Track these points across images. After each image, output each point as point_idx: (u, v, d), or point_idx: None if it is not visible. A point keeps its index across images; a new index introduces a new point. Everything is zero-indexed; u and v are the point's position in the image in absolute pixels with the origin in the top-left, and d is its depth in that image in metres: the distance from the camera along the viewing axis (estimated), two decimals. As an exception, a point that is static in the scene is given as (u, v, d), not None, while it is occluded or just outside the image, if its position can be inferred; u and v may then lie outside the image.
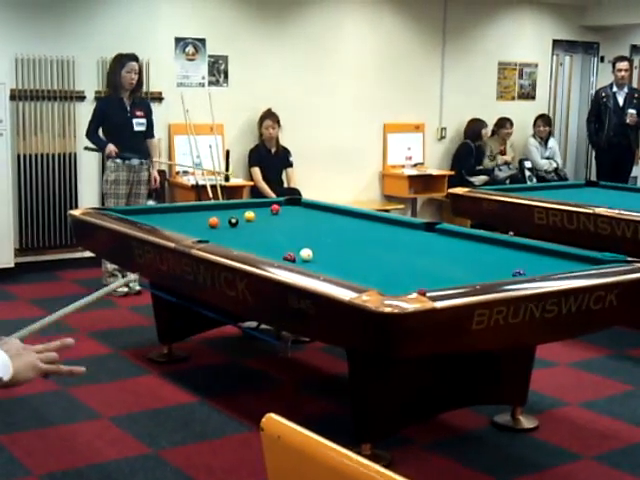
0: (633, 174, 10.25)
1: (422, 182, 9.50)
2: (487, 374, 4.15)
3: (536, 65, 10.84)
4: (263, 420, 1.61)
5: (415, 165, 9.67)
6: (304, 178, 8.56)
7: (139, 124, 6.88)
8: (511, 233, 6.19)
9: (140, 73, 6.94)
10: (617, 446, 4.19)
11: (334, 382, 4.95)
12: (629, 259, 4.07)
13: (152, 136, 7.09)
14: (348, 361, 3.80)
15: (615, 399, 4.83)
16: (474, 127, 9.92)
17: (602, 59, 11.41)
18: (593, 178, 9.26)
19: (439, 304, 3.22)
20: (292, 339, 5.18)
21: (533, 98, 10.85)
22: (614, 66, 9.67)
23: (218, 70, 8.48)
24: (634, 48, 11.59)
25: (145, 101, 7.20)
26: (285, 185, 8.40)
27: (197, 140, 7.77)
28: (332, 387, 4.89)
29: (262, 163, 8.34)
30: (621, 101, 9.59)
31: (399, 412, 3.86)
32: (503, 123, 10.15)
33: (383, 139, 9.58)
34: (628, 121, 9.48)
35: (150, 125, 7.00)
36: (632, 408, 4.69)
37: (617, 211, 5.77)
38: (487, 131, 9.93)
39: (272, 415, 1.61)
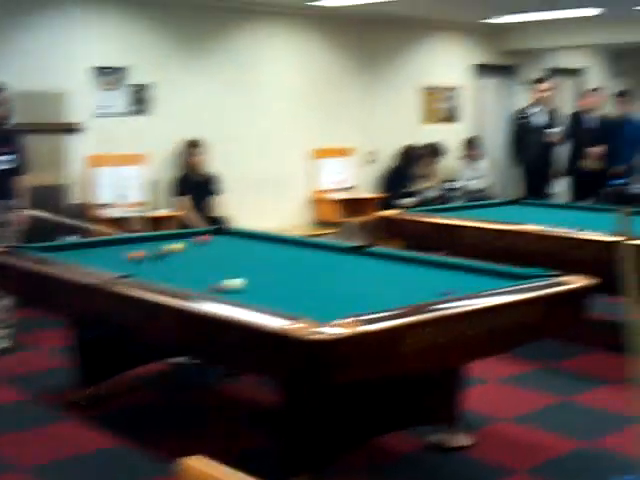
0: (552, 191, 10.46)
1: (353, 206, 9.57)
2: (420, 395, 4.17)
3: (458, 88, 11.03)
4: (183, 464, 1.55)
5: (345, 189, 9.73)
6: (235, 206, 8.53)
7: (3, 161, 6.26)
8: (440, 253, 6.26)
9: (6, 103, 6.36)
10: (550, 458, 4.25)
11: (270, 414, 4.89)
12: (554, 273, 4.15)
13: (22, 173, 6.38)
14: (281, 391, 3.77)
15: (546, 411, 4.90)
16: (403, 150, 10.05)
17: (521, 81, 11.67)
18: (517, 196, 9.41)
19: (370, 328, 3.22)
20: (225, 372, 5.12)
21: (457, 121, 11.04)
22: (535, 87, 9.89)
23: (141, 99, 8.41)
24: (551, 70, 11.87)
25: (13, 135, 6.43)
26: (213, 214, 8.33)
27: (120, 171, 7.60)
28: (268, 419, 4.82)
29: (189, 192, 8.28)
30: (542, 121, 9.82)
31: (336, 440, 3.84)
32: (431, 146, 10.31)
33: (313, 164, 9.64)
34: (551, 140, 9.71)
35: (20, 162, 6.34)
36: (563, 419, 4.78)
37: (543, 227, 5.90)
38: (416, 153, 10.06)
39: (194, 458, 1.56)
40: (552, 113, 10.01)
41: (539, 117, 9.82)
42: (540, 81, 9.98)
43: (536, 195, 9.31)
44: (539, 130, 9.78)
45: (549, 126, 9.83)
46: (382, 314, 3.38)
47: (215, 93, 8.86)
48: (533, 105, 9.85)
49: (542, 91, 9.82)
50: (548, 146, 9.84)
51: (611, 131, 9.86)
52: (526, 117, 9.81)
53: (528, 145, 9.75)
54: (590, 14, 9.75)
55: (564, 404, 5.04)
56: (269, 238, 5.75)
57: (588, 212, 7.30)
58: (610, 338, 5.97)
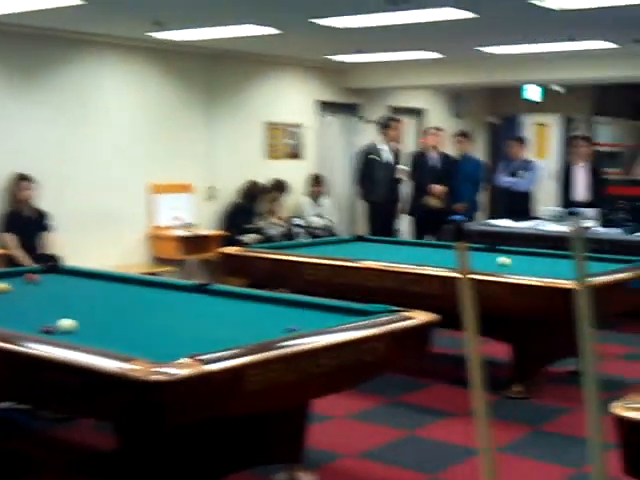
0: (398, 227, 10.67)
1: (193, 243, 9.42)
2: (264, 433, 4.09)
3: (303, 125, 11.11)
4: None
5: (186, 226, 9.58)
6: (69, 243, 8.22)
7: None
8: (283, 290, 6.23)
9: None
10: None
11: (107, 459, 4.68)
12: (395, 309, 4.19)
13: None
14: (118, 435, 3.62)
15: (391, 446, 4.91)
16: (245, 186, 10.02)
17: (362, 119, 11.88)
18: (362, 233, 9.53)
19: (211, 367, 3.14)
20: (59, 417, 4.88)
21: (301, 157, 11.10)
22: (386, 126, 10.09)
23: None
24: (392, 109, 12.15)
25: None
26: (45, 251, 7.98)
27: None
28: (105, 465, 4.61)
29: (16, 229, 7.93)
30: (390, 158, 10.04)
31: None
32: (274, 182, 10.32)
33: (152, 200, 9.44)
34: (399, 177, 9.95)
35: None
36: (407, 453, 4.79)
37: (383, 264, 5.95)
38: (258, 190, 10.04)
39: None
40: (397, 151, 10.28)
41: (387, 154, 10.05)
42: (391, 120, 10.25)
43: (383, 231, 9.49)
44: (388, 167, 10.00)
45: (396, 163, 10.08)
46: (223, 353, 3.30)
47: (48, 126, 8.55)
48: (381, 143, 10.07)
49: (392, 130, 10.08)
50: (396, 183, 10.08)
51: (451, 170, 10.15)
52: (375, 154, 10.01)
53: (377, 182, 9.94)
54: (430, 57, 10.02)
55: (408, 438, 5.06)
56: (104, 276, 5.55)
57: (430, 248, 7.45)
58: (453, 372, 6.08)
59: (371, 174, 10.00)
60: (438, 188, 9.99)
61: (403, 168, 10.04)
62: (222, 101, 10.12)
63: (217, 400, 3.23)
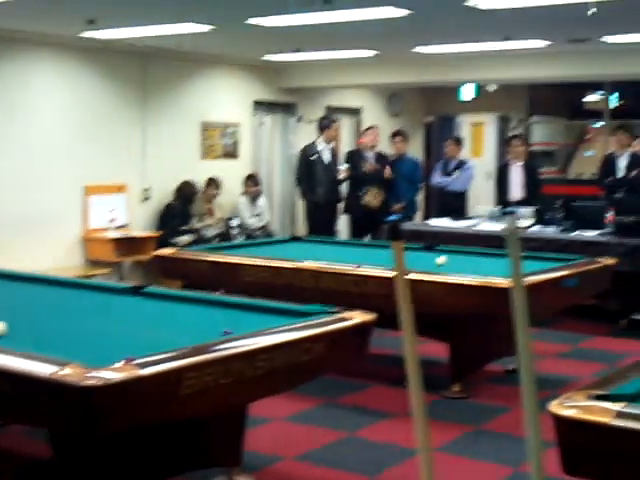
0: (337, 227, 10.66)
1: (128, 245, 9.29)
2: (199, 438, 4.03)
3: (238, 124, 11.04)
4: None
5: (120, 227, 9.44)
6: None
7: None
8: (220, 292, 6.17)
9: None
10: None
11: (41, 467, 4.57)
12: (333, 310, 4.18)
13: None
14: (52, 442, 3.53)
15: (330, 448, 4.89)
16: (181, 187, 9.92)
17: (300, 119, 11.85)
18: (302, 234, 9.50)
19: (146, 371, 3.09)
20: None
21: (237, 157, 11.03)
22: (326, 125, 10.07)
23: None
24: (328, 108, 12.15)
25: None
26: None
27: None
28: (39, 473, 4.51)
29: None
30: (329, 158, 10.03)
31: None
32: (210, 183, 10.24)
33: (85, 201, 9.28)
34: (340, 177, 9.95)
35: None
36: (346, 455, 4.78)
37: (320, 264, 5.93)
38: (192, 190, 9.96)
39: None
40: (335, 151, 10.29)
41: (327, 155, 10.06)
42: (332, 121, 10.28)
43: (324, 232, 9.47)
44: (328, 167, 10.00)
45: (336, 164, 10.09)
46: (158, 356, 3.26)
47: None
48: (321, 142, 10.07)
49: (331, 130, 10.09)
50: (337, 183, 10.09)
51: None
52: (316, 154, 10.00)
53: (318, 182, 9.93)
54: (366, 55, 10.03)
55: (348, 439, 5.04)
56: (35, 279, 5.39)
57: (367, 248, 7.46)
58: (392, 372, 6.08)
59: (312, 174, 9.98)
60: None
61: (343, 168, 10.05)
62: (157, 101, 10.01)
63: (153, 404, 3.19)
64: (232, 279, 6.29)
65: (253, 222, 10.47)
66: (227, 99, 10.94)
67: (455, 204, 10.08)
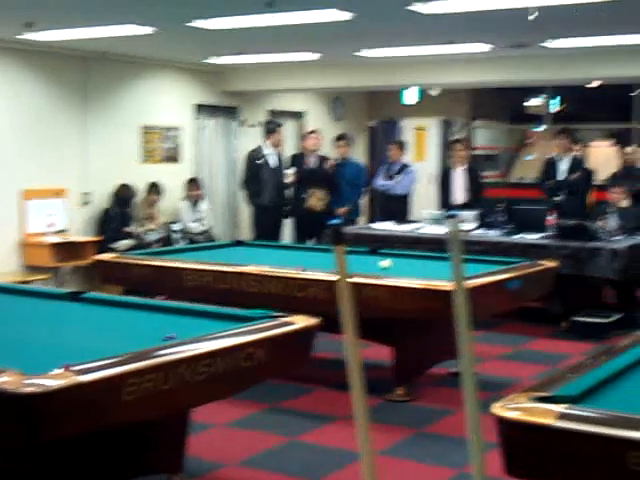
0: (283, 231, 10.64)
1: (67, 250, 9.15)
2: (140, 444, 3.98)
3: (179, 128, 10.96)
4: None
5: (58, 232, 9.30)
6: None
7: None
8: (161, 297, 6.11)
9: None
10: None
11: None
12: (276, 314, 4.15)
13: None
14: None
15: (273, 452, 4.87)
16: (121, 192, 9.82)
17: (242, 122, 11.82)
18: (246, 238, 9.47)
19: (85, 378, 3.05)
20: None
21: (178, 161, 10.95)
22: (273, 131, 10.04)
23: None
24: (271, 112, 12.13)
25: None
26: None
27: None
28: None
29: None
30: (276, 162, 10.01)
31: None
32: (151, 188, 10.15)
33: (22, 205, 9.11)
34: (286, 180, 9.93)
35: None
36: (290, 459, 4.76)
37: (263, 268, 5.90)
38: (130, 194, 9.86)
39: None
40: (280, 155, 10.27)
41: (273, 159, 10.04)
42: (278, 125, 10.31)
43: (270, 236, 9.45)
44: (275, 171, 9.99)
45: (281, 168, 10.08)
46: (98, 363, 3.22)
47: None
48: (267, 147, 10.05)
49: (276, 134, 10.08)
50: (283, 187, 10.07)
51: (333, 173, 10.17)
52: (262, 158, 9.98)
53: (264, 186, 9.90)
54: (309, 58, 10.03)
55: (291, 444, 5.02)
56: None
57: (311, 252, 7.43)
58: (335, 376, 6.07)
59: (258, 178, 9.95)
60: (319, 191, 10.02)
61: (289, 172, 10.03)
62: (97, 104, 9.89)
63: (93, 411, 3.14)
64: (174, 284, 6.22)
65: (195, 226, 10.40)
66: (168, 102, 10.86)
67: (398, 207, 10.12)
